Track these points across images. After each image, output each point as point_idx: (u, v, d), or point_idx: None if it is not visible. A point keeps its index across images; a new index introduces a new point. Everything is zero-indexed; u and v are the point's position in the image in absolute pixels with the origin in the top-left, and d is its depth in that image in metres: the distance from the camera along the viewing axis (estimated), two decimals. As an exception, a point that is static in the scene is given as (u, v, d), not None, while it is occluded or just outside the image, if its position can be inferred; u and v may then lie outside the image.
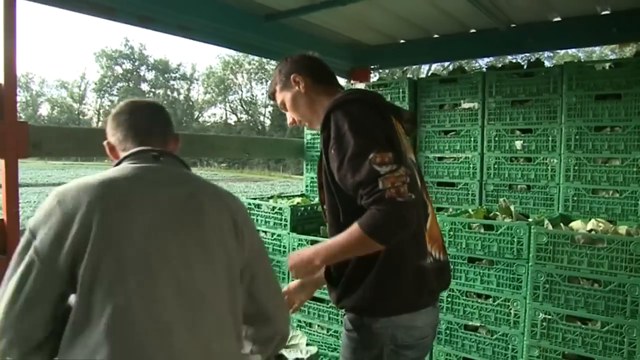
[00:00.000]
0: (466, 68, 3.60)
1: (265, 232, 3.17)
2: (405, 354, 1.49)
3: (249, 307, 1.29)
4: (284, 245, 3.06)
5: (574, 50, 23.47)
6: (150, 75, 55.59)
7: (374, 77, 4.32)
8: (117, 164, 1.25)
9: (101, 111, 55.00)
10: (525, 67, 3.05)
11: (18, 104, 2.10)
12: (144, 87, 55.09)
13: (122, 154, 1.27)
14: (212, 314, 1.16)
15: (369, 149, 1.32)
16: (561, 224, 2.53)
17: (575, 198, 2.74)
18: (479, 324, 2.58)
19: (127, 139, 1.29)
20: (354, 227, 1.33)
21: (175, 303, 1.10)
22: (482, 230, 2.54)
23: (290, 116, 1.72)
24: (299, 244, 2.98)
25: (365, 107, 1.43)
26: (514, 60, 3.49)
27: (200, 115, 55.64)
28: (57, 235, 1.06)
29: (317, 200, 3.58)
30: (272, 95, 1.75)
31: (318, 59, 1.76)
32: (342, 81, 4.40)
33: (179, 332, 1.09)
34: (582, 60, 5.97)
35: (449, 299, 2.62)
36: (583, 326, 2.24)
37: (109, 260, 1.05)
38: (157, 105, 1.42)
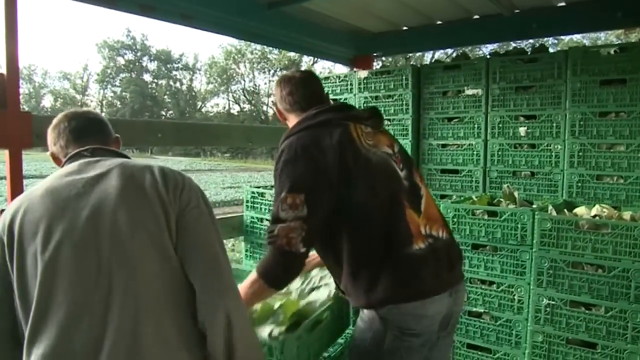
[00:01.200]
0: (470, 55, 3.57)
1: (269, 220, 3.16)
2: (410, 340, 1.53)
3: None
4: (288, 234, 3.06)
5: (578, 37, 23.31)
6: (152, 66, 55.50)
7: (377, 65, 4.31)
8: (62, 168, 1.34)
9: (104, 102, 55.02)
10: (529, 52, 3.03)
11: (21, 96, 2.10)
12: (147, 77, 55.04)
13: (63, 161, 1.35)
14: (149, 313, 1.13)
15: (283, 187, 1.51)
16: (565, 210, 2.53)
17: (579, 184, 2.74)
18: (482, 310, 2.59)
19: (68, 145, 1.37)
20: (253, 272, 1.55)
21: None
22: (485, 217, 2.54)
23: None
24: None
25: (296, 151, 1.54)
26: (518, 47, 3.46)
27: (203, 105, 55.58)
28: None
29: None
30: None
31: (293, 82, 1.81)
32: (344, 69, 4.40)
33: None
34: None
35: (453, 286, 2.63)
36: (587, 312, 2.24)
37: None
38: (93, 112, 1.50)
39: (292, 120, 1.75)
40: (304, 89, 1.76)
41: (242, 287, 1.48)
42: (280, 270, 1.50)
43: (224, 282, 1.19)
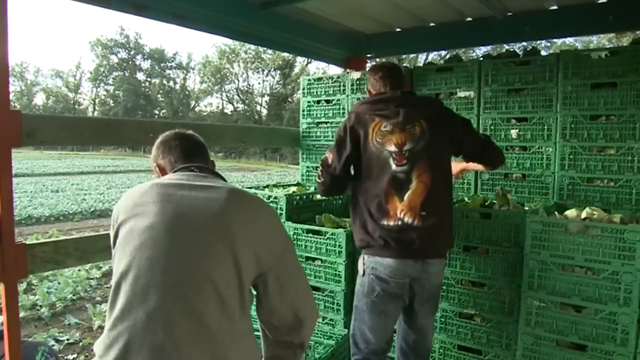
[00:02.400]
0: (463, 58, 3.59)
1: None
2: (381, 284, 2.17)
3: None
4: (279, 234, 3.06)
5: (571, 40, 23.44)
6: (146, 65, 55.34)
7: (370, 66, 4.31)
8: None
9: (97, 101, 54.75)
10: (521, 55, 3.04)
11: (13, 94, 2.09)
12: (140, 76, 54.86)
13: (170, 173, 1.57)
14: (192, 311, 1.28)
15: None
16: (556, 213, 2.54)
17: (570, 187, 2.75)
18: (473, 312, 2.60)
19: (177, 161, 1.59)
20: None
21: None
22: (478, 219, 2.55)
23: None
24: (295, 232, 2.98)
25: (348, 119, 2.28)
26: (511, 49, 3.48)
27: (196, 104, 55.48)
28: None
29: (312, 189, 3.58)
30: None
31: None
32: (337, 70, 4.40)
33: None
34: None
35: (444, 287, 2.64)
36: (576, 314, 2.25)
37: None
38: (197, 136, 1.72)
39: None
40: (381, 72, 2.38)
41: None
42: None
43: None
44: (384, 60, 4.73)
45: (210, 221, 1.31)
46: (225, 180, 1.57)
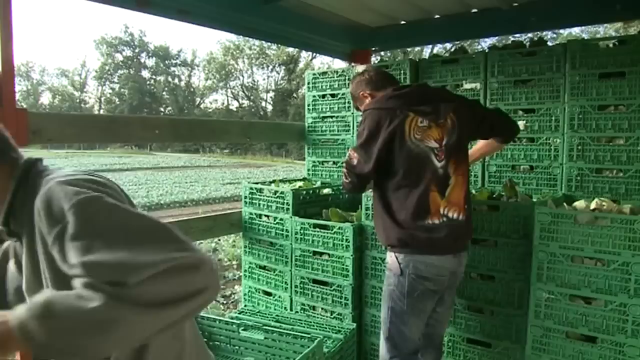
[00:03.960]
0: (469, 49, 3.56)
1: (267, 216, 3.17)
2: (424, 283, 2.12)
3: None
4: (286, 229, 3.07)
5: (577, 31, 23.25)
6: (150, 62, 55.43)
7: (375, 59, 4.29)
8: None
9: (102, 99, 54.95)
10: (527, 46, 3.01)
11: (19, 94, 2.10)
12: (145, 74, 54.98)
13: None
14: None
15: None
16: (564, 204, 2.52)
17: (578, 178, 2.73)
18: (482, 305, 2.58)
19: None
20: None
21: None
22: (486, 211, 2.54)
23: None
24: (302, 227, 2.98)
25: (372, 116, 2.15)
26: (518, 40, 3.45)
27: (201, 101, 55.57)
28: None
29: (319, 184, 3.58)
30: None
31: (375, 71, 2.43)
32: (342, 64, 4.39)
33: None
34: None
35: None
36: (586, 305, 2.23)
37: None
38: None
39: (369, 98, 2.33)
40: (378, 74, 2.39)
41: None
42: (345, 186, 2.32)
43: None
44: (388, 53, 4.70)
45: None
46: None
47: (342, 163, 2.26)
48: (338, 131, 3.57)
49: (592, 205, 2.41)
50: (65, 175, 1.05)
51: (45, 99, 56.79)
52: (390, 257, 2.18)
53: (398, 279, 2.15)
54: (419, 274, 2.11)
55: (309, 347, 2.26)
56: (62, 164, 30.16)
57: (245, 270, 3.37)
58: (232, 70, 50.34)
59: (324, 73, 3.65)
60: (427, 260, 2.10)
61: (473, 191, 2.91)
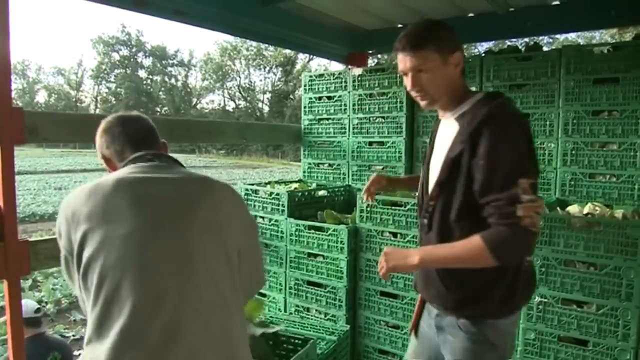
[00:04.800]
0: (465, 53, 3.57)
1: (262, 217, 3.17)
2: (513, 346, 1.72)
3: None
4: (281, 231, 3.07)
5: (573, 36, 23.35)
6: (147, 62, 55.34)
7: (372, 62, 4.30)
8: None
9: (99, 98, 54.81)
10: (523, 51, 3.03)
11: (15, 92, 2.09)
12: (142, 73, 54.88)
13: (120, 164, 1.40)
14: (213, 289, 1.26)
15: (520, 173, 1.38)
16: (558, 208, 2.54)
17: (572, 182, 2.75)
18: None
19: (124, 150, 1.42)
20: (475, 240, 1.40)
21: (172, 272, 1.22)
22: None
23: (412, 84, 1.56)
24: (297, 229, 2.98)
25: (519, 128, 1.46)
26: (513, 45, 3.47)
27: (198, 102, 55.51)
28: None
29: (314, 185, 3.58)
30: (415, 49, 1.53)
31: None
32: (339, 66, 4.40)
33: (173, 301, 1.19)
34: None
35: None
36: (578, 309, 2.25)
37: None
38: (143, 116, 1.55)
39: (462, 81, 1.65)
40: None
41: (450, 249, 1.48)
42: (520, 249, 1.41)
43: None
44: (385, 56, 4.73)
45: (193, 217, 1.27)
46: (182, 165, 1.47)
47: (524, 200, 1.37)
48: (334, 133, 3.58)
49: (585, 210, 2.43)
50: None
51: (41, 97, 56.66)
52: (481, 322, 1.55)
53: (495, 352, 1.56)
54: (514, 336, 1.71)
55: (302, 348, 2.26)
56: (57, 163, 30.06)
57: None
58: (229, 71, 50.31)
59: (321, 75, 3.66)
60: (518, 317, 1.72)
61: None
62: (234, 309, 1.32)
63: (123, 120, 1.47)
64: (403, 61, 1.55)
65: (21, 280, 2.15)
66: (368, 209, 2.83)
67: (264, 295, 3.21)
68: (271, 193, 3.12)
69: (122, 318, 1.14)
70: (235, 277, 1.33)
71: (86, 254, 1.20)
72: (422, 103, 1.59)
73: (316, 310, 2.99)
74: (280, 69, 47.46)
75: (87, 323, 1.22)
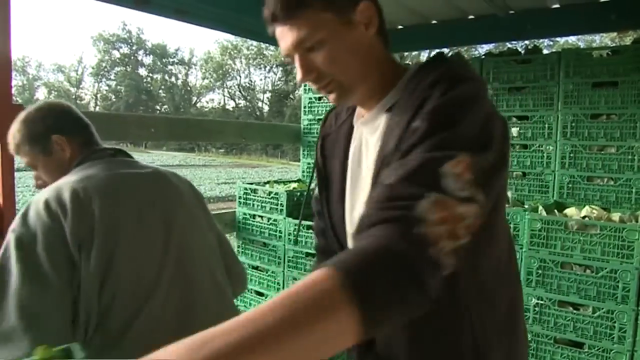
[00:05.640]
0: (466, 56, 3.58)
1: (261, 216, 3.18)
2: None
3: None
4: (280, 230, 3.08)
5: (573, 39, 23.41)
6: (147, 60, 55.31)
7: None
8: (79, 162, 1.34)
9: (99, 96, 54.76)
10: (523, 54, 3.04)
11: (15, 88, 2.09)
12: (142, 71, 54.86)
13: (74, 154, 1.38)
14: (209, 276, 1.35)
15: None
16: (555, 211, 2.55)
17: (570, 185, 2.76)
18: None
19: (88, 143, 1.41)
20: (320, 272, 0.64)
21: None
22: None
23: (303, 71, 0.93)
24: (295, 228, 2.99)
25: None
26: (513, 48, 3.47)
27: (198, 100, 55.49)
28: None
29: (313, 185, 3.58)
30: (290, 13, 0.91)
31: None
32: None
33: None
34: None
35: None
36: (575, 311, 2.26)
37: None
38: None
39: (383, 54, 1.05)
40: None
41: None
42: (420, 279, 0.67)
43: None
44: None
45: (189, 209, 1.39)
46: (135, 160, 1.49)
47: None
48: (333, 134, 3.58)
49: (583, 213, 2.44)
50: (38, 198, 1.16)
51: (41, 94, 56.62)
52: None
53: None
54: None
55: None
56: (57, 160, 30.00)
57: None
58: (230, 70, 50.32)
59: (321, 75, 3.66)
60: None
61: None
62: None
63: (71, 110, 1.45)
64: (282, 39, 0.93)
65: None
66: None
67: (261, 294, 3.22)
68: (270, 192, 3.13)
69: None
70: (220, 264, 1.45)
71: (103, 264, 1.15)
72: (332, 97, 0.96)
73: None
74: (280, 68, 47.48)
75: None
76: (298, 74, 0.93)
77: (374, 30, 0.93)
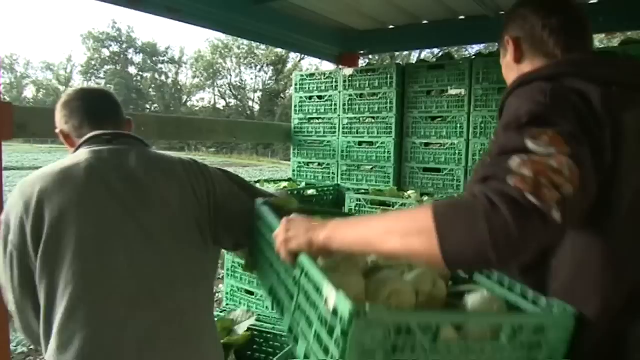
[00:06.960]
0: (456, 56, 3.61)
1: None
2: None
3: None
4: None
5: (562, 40, 23.52)
6: (138, 58, 54.89)
7: (363, 63, 4.32)
8: (75, 151, 1.32)
9: (88, 94, 54.25)
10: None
11: (2, 86, 2.07)
12: (132, 70, 54.46)
13: (79, 141, 1.33)
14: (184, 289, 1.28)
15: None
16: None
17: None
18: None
19: (82, 126, 1.35)
20: (424, 208, 0.81)
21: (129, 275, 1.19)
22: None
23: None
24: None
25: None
26: (502, 48, 3.50)
27: (188, 99, 55.19)
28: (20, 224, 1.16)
29: (303, 185, 3.59)
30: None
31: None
32: (330, 66, 4.41)
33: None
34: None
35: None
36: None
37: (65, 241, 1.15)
38: (107, 91, 1.46)
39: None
40: None
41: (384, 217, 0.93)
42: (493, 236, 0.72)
43: None
44: (376, 56, 4.74)
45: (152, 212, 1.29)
46: (146, 144, 1.40)
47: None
48: (324, 133, 3.59)
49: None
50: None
51: (29, 92, 56.05)
52: None
53: None
54: None
55: (289, 346, 2.27)
56: (46, 159, 29.78)
57: (227, 269, 3.37)
58: (220, 69, 50.10)
59: (312, 75, 3.67)
60: None
61: (455, 196, 2.95)
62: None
63: (83, 94, 1.39)
64: None
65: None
66: (357, 208, 2.85)
67: (251, 293, 3.21)
68: (261, 191, 3.12)
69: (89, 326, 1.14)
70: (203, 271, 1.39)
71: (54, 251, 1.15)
72: None
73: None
74: (271, 67, 47.37)
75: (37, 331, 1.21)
76: None
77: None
